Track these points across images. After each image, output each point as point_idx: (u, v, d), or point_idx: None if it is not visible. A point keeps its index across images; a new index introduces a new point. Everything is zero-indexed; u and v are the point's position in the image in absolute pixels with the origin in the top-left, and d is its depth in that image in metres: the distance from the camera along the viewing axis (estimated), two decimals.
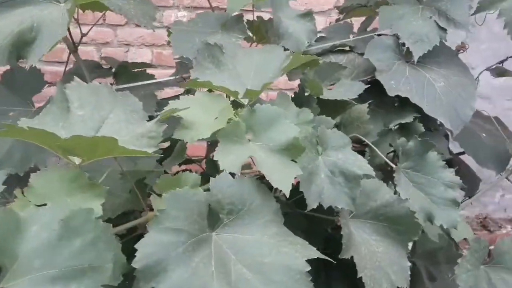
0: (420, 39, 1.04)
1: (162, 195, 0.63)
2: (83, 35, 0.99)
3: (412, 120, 1.08)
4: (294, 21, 1.04)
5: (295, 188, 0.76)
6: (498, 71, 1.41)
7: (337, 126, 1.06)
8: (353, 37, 1.21)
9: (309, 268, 0.65)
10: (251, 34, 1.13)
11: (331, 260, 0.71)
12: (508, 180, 1.30)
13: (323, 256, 0.68)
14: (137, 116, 0.70)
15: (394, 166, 0.98)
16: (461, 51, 1.28)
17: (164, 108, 0.72)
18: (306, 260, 0.65)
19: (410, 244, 0.93)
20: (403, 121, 1.08)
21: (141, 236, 0.59)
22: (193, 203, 0.64)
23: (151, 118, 0.71)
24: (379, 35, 1.14)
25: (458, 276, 0.90)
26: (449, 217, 0.96)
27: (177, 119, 0.73)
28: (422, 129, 1.09)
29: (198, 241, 0.63)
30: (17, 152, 0.84)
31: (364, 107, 1.05)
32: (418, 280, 1.13)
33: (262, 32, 1.08)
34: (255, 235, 0.67)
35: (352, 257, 0.79)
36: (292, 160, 0.73)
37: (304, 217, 0.95)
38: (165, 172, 0.86)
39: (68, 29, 0.93)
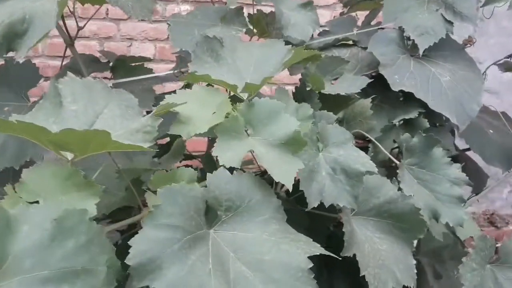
0: (426, 31, 1.01)
1: (156, 192, 0.61)
2: (79, 28, 0.97)
3: (416, 115, 1.06)
4: (295, 11, 1.02)
5: (296, 184, 0.74)
6: (507, 66, 1.38)
7: (339, 121, 1.04)
8: (357, 30, 1.18)
9: (311, 265, 0.63)
10: (252, 28, 1.10)
11: (335, 256, 0.69)
12: None
13: (326, 252, 0.66)
14: (132, 111, 0.69)
15: (397, 162, 0.95)
16: (468, 45, 1.25)
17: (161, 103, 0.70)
18: (308, 257, 0.63)
19: (415, 242, 0.90)
20: (407, 117, 1.06)
21: None
22: (189, 198, 0.62)
23: (149, 113, 0.69)
24: (381, 28, 1.12)
25: (462, 275, 0.88)
26: (455, 215, 0.93)
27: (176, 114, 0.71)
28: (427, 124, 1.07)
29: (195, 238, 0.61)
30: (12, 145, 0.83)
31: (367, 102, 1.03)
32: (423, 278, 1.11)
33: (263, 25, 1.06)
34: (254, 232, 0.66)
35: (354, 255, 0.77)
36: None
37: (306, 214, 0.93)
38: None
39: (64, 23, 0.91)
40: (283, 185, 0.86)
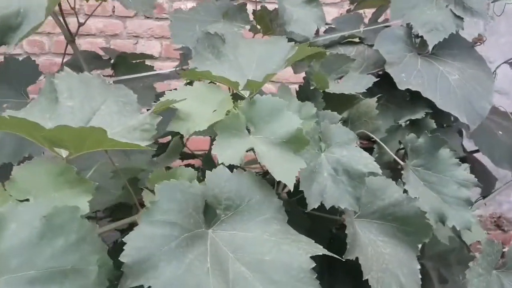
0: (435, 27, 0.99)
1: (154, 190, 0.60)
2: (80, 24, 0.96)
3: (423, 116, 1.04)
4: (299, 7, 1.00)
5: (297, 185, 0.72)
6: None
7: (344, 121, 1.02)
8: (363, 28, 1.16)
9: (313, 265, 0.61)
10: (256, 25, 1.09)
11: (337, 257, 0.67)
12: None
13: (329, 253, 0.65)
14: (130, 108, 0.67)
15: (402, 163, 0.93)
16: (478, 43, 1.22)
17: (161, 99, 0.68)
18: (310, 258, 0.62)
19: (419, 246, 0.88)
20: (414, 117, 1.04)
21: None
22: (188, 195, 0.60)
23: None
24: (387, 26, 1.09)
25: (469, 280, 0.85)
26: (462, 218, 0.91)
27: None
28: (434, 125, 1.05)
29: (193, 237, 0.60)
30: (10, 141, 0.81)
31: (372, 101, 1.00)
32: (428, 283, 1.08)
33: (266, 22, 1.04)
34: (254, 232, 0.64)
35: (357, 258, 0.75)
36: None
37: (307, 216, 0.91)
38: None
39: (64, 19, 0.90)
40: (284, 186, 0.84)
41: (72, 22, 2.27)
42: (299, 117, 0.79)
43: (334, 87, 0.97)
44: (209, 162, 0.97)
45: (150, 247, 0.55)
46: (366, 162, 0.78)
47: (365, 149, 0.83)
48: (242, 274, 0.59)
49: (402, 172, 0.92)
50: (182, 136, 1.11)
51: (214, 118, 0.69)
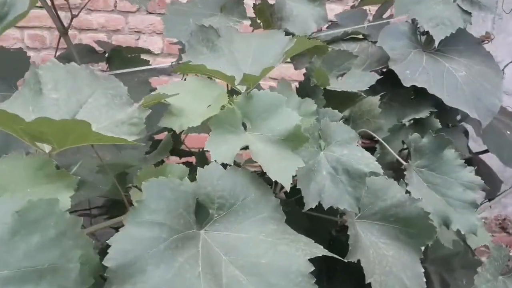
0: (442, 22, 0.96)
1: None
2: (73, 16, 0.93)
3: (428, 115, 1.00)
4: (300, 3, 0.97)
5: (296, 185, 0.69)
6: None
7: (345, 119, 0.99)
8: (367, 24, 1.13)
9: (312, 268, 0.58)
10: (256, 19, 1.05)
11: (338, 257, 0.64)
12: None
13: (330, 254, 0.61)
14: (119, 101, 0.64)
15: (405, 163, 0.89)
16: (486, 41, 1.18)
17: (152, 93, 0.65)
18: (309, 261, 0.58)
19: (422, 249, 0.85)
20: (418, 116, 1.01)
21: None
22: (178, 193, 0.57)
23: None
24: (389, 22, 1.06)
25: (477, 286, 0.82)
26: (467, 221, 0.88)
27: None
28: (439, 125, 1.01)
29: (183, 239, 0.56)
30: None
31: (375, 99, 0.97)
32: (430, 287, 1.05)
33: (267, 16, 1.01)
34: (249, 233, 0.60)
35: (358, 260, 0.72)
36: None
37: (306, 217, 0.88)
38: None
39: (56, 12, 0.87)
40: (282, 186, 0.81)
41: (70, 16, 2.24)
42: (299, 114, 0.76)
43: (336, 84, 0.94)
44: (203, 159, 0.94)
45: (136, 250, 0.51)
46: (367, 161, 0.74)
47: (367, 148, 0.80)
48: (236, 278, 0.56)
49: (405, 173, 0.88)
50: (180, 133, 1.09)
51: (209, 113, 0.66)
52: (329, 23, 1.22)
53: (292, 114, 0.68)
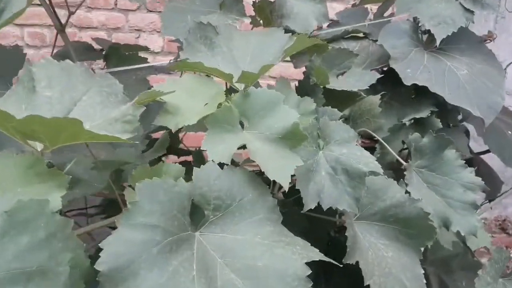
0: (444, 21, 0.94)
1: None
2: (71, 13, 0.92)
3: (428, 114, 0.99)
4: (301, 1, 0.95)
5: (294, 185, 0.68)
6: None
7: (345, 119, 0.97)
8: (368, 22, 1.11)
9: (309, 272, 0.57)
10: (256, 17, 1.04)
11: (335, 262, 0.63)
12: None
13: (326, 258, 0.60)
14: (115, 99, 0.62)
15: (405, 163, 0.88)
16: (488, 40, 1.17)
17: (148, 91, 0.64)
18: (306, 264, 0.57)
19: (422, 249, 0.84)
20: (418, 116, 0.99)
21: None
22: (172, 195, 0.56)
23: None
24: (389, 20, 1.05)
25: None
26: (467, 223, 0.86)
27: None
28: (440, 125, 1.00)
29: (178, 241, 0.55)
30: None
31: (375, 99, 0.96)
32: None
33: (266, 13, 1.00)
34: (246, 235, 0.59)
35: (357, 262, 0.71)
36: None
37: (305, 218, 0.87)
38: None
39: (53, 9, 0.86)
40: (281, 186, 0.80)
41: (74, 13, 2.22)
42: (298, 112, 0.75)
43: (336, 83, 0.93)
44: (200, 158, 0.93)
45: (129, 253, 0.50)
46: (366, 161, 0.73)
47: (367, 148, 0.79)
48: (232, 282, 0.54)
49: (404, 173, 0.87)
50: (177, 132, 1.08)
51: (205, 111, 0.65)
52: (330, 22, 1.21)
53: (290, 112, 0.67)
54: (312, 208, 0.69)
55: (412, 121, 1.01)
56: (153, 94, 0.60)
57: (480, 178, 0.89)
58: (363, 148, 0.77)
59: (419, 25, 1.01)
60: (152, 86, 0.72)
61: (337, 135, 0.76)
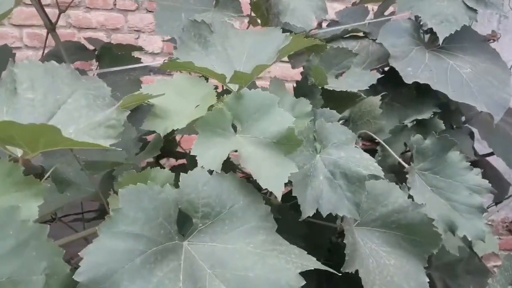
0: (446, 19, 0.92)
1: None
2: (61, 11, 0.89)
3: (431, 116, 0.96)
4: None
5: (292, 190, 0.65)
6: None
7: (345, 121, 0.94)
8: (368, 21, 1.08)
9: (303, 283, 0.54)
10: (253, 15, 1.01)
11: (334, 271, 0.60)
12: None
13: (323, 267, 0.57)
14: (102, 102, 0.60)
15: (407, 166, 0.85)
16: (492, 40, 1.14)
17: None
18: (305, 272, 0.55)
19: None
20: (420, 117, 0.96)
21: None
22: (158, 202, 0.53)
23: None
24: (390, 19, 1.02)
25: None
26: (474, 227, 0.83)
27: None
28: (443, 126, 0.97)
29: (163, 251, 0.52)
30: None
31: (376, 100, 0.93)
32: None
33: (262, 11, 0.97)
34: (236, 244, 0.56)
35: (357, 271, 0.68)
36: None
37: (304, 224, 0.83)
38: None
39: (42, 8, 0.83)
40: None
41: (72, 13, 2.20)
42: (293, 115, 0.71)
43: (334, 84, 0.90)
44: (194, 161, 0.90)
45: (111, 263, 0.47)
46: (366, 164, 0.70)
47: (368, 151, 0.76)
48: None
49: (407, 176, 0.84)
50: (171, 134, 1.05)
51: (196, 114, 0.62)
52: (330, 21, 1.18)
53: (285, 115, 0.64)
54: (310, 215, 0.66)
55: (414, 122, 0.98)
56: (139, 98, 0.57)
57: (486, 181, 0.86)
58: (362, 151, 0.74)
59: (421, 23, 0.99)
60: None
61: (335, 138, 0.73)
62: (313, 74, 0.88)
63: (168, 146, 1.24)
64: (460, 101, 0.90)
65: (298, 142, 0.63)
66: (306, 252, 0.59)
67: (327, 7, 1.00)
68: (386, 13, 1.18)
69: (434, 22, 0.93)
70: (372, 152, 0.92)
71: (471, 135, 1.11)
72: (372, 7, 1.23)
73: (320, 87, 0.88)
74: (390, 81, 0.99)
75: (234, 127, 0.64)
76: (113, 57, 0.97)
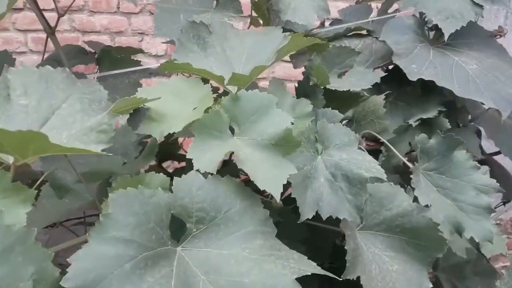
0: (452, 15, 0.90)
1: None
2: (60, 15, 0.89)
3: (436, 114, 0.94)
4: None
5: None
6: None
7: (348, 121, 0.93)
8: (372, 19, 1.06)
9: None
10: (255, 15, 1.00)
11: (335, 276, 0.58)
12: None
13: (322, 272, 0.56)
14: (98, 106, 0.59)
15: (411, 166, 0.83)
16: (498, 36, 1.11)
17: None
18: (306, 277, 0.53)
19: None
20: (425, 116, 0.94)
21: None
22: (149, 206, 0.52)
23: None
24: (394, 16, 1.00)
25: None
26: (482, 228, 0.81)
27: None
28: (448, 125, 0.95)
29: (154, 257, 0.51)
30: None
31: (380, 99, 0.91)
32: None
33: (263, 11, 0.95)
34: (232, 249, 0.55)
35: (358, 277, 0.66)
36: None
37: (305, 227, 0.82)
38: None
39: (40, 11, 0.83)
40: None
41: (76, 17, 2.20)
42: (293, 116, 0.70)
43: (337, 83, 0.88)
44: (192, 164, 0.89)
45: (100, 269, 0.46)
46: (368, 166, 0.68)
47: (372, 151, 0.75)
48: None
49: (411, 176, 0.82)
50: (171, 136, 1.04)
51: (192, 117, 0.61)
52: (332, 20, 1.17)
53: (283, 116, 0.62)
54: (310, 217, 0.65)
55: (419, 121, 0.96)
56: (133, 102, 0.56)
57: (494, 180, 0.84)
58: (364, 152, 0.72)
59: (426, 20, 0.96)
60: None
61: (337, 139, 0.71)
62: (315, 74, 0.86)
63: (170, 149, 1.23)
64: (466, 97, 0.87)
65: (297, 143, 0.61)
66: (307, 257, 0.58)
67: (330, 6, 0.98)
68: (389, 10, 1.16)
69: (440, 18, 0.90)
70: (376, 152, 0.91)
71: (478, 133, 1.09)
72: (376, 5, 1.21)
73: (322, 87, 0.86)
74: (394, 79, 0.97)
75: (232, 130, 0.63)
76: (113, 60, 0.97)
